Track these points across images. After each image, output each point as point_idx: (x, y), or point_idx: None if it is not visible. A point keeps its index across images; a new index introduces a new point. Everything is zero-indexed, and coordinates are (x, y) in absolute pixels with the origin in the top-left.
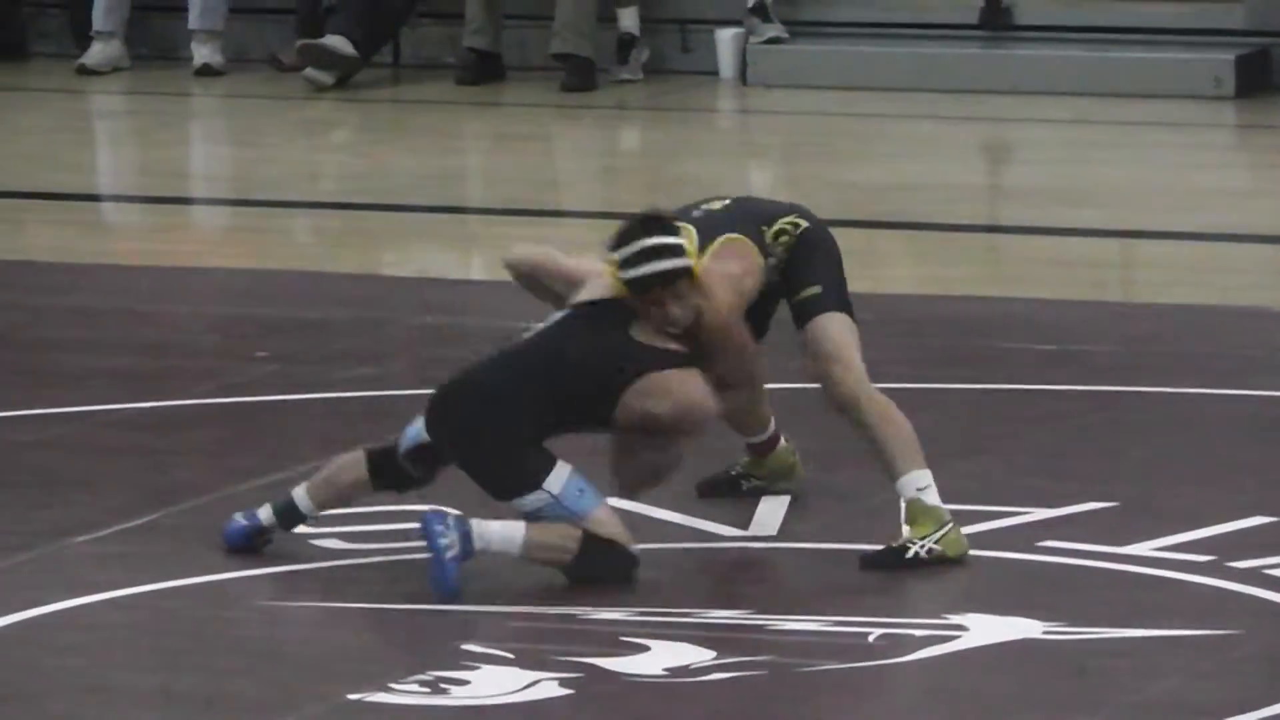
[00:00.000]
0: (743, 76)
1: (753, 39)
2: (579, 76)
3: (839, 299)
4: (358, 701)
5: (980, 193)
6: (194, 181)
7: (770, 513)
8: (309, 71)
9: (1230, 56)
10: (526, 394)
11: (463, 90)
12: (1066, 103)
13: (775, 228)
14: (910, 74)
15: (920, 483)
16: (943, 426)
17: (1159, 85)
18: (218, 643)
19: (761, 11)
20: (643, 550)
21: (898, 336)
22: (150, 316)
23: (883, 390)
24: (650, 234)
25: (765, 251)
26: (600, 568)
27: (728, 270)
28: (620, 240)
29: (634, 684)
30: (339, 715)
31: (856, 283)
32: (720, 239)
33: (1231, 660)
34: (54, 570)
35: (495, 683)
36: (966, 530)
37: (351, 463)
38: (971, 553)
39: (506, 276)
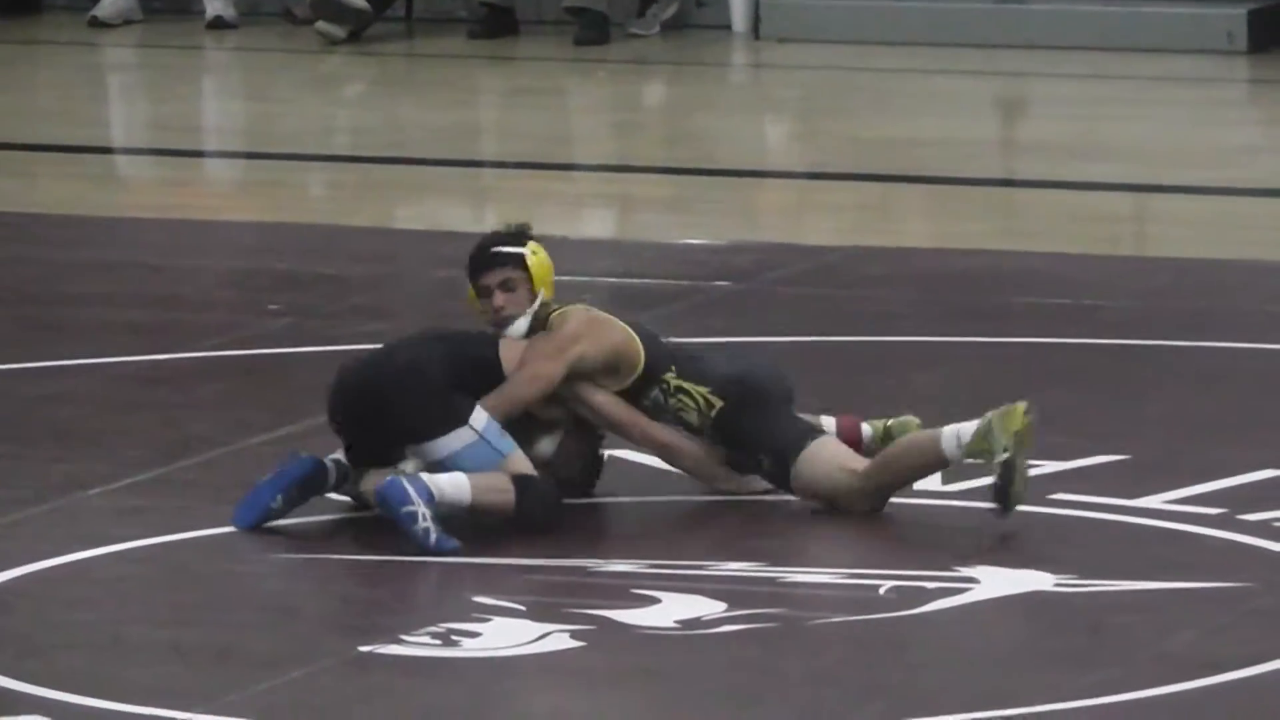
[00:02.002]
0: (756, 31)
1: None
2: (592, 30)
3: (781, 451)
4: (370, 654)
5: (995, 147)
6: (207, 135)
7: None
8: (321, 25)
9: (1243, 11)
10: (435, 349)
11: (476, 44)
12: (1081, 57)
13: (680, 383)
14: (925, 28)
15: (951, 438)
16: (956, 380)
17: (1172, 40)
18: (230, 596)
19: None
20: (655, 503)
21: (912, 290)
22: (163, 270)
23: (897, 345)
24: (496, 234)
25: (647, 378)
26: (540, 504)
27: (589, 318)
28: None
29: (645, 636)
30: (351, 668)
31: (871, 236)
32: (606, 316)
33: (1245, 613)
34: (66, 523)
35: (507, 634)
36: (974, 483)
37: None
38: (980, 505)
39: None
